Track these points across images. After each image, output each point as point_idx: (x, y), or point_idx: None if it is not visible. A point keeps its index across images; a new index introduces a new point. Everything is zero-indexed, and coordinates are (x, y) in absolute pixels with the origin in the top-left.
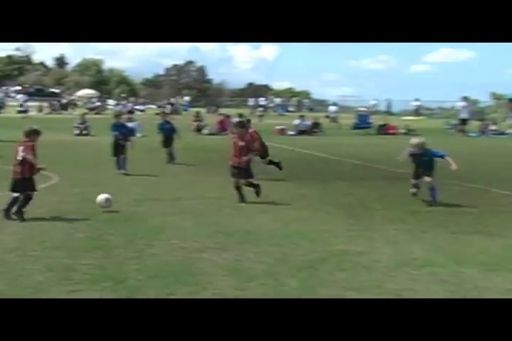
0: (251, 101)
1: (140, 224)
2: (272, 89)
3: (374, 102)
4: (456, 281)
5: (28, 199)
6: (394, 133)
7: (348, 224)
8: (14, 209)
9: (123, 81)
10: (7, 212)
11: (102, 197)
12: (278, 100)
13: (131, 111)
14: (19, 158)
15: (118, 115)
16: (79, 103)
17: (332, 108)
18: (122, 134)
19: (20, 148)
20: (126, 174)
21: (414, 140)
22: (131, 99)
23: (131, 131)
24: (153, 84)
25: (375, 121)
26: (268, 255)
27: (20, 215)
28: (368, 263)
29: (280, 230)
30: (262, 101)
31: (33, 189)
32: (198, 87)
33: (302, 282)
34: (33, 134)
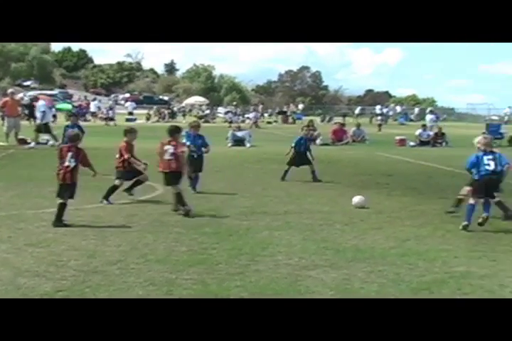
0: (367, 110)
1: (245, 239)
2: (393, 96)
3: (507, 110)
4: None
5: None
6: None
7: (471, 244)
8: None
9: (234, 88)
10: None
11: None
12: (399, 108)
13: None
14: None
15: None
16: (190, 111)
17: (430, 116)
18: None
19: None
20: (197, 192)
21: None
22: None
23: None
24: (266, 91)
25: (509, 131)
26: (380, 275)
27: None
28: (492, 287)
29: (395, 248)
30: (379, 109)
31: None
32: (312, 94)
33: None
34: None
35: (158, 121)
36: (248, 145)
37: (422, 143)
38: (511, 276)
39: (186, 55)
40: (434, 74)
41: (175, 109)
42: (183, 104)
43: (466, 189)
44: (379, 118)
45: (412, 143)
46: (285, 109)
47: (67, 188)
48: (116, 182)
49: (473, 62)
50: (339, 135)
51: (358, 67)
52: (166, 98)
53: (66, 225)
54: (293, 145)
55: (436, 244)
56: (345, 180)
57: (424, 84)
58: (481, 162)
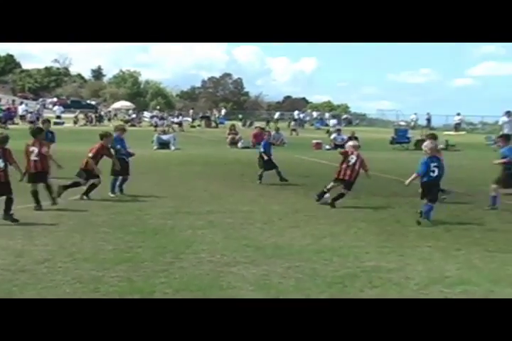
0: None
1: (170, 237)
2: (309, 102)
3: (413, 116)
4: None
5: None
6: None
7: (381, 240)
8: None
9: (159, 93)
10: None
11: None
12: (315, 113)
13: (179, 124)
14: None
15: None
16: (115, 115)
17: (333, 121)
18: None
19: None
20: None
21: None
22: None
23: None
24: (190, 96)
25: (415, 135)
26: (298, 270)
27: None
28: (399, 280)
29: (311, 245)
30: (297, 114)
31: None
32: (234, 99)
33: (332, 298)
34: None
35: (85, 124)
36: (173, 148)
37: (337, 147)
38: (417, 270)
39: (113, 61)
40: (347, 82)
41: (102, 113)
42: (110, 109)
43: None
44: (292, 123)
45: (327, 147)
46: (208, 114)
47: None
48: (96, 181)
49: (382, 72)
50: (259, 138)
51: (277, 75)
52: (93, 102)
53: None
54: (262, 150)
55: (349, 241)
56: (265, 181)
57: (339, 91)
58: (428, 169)
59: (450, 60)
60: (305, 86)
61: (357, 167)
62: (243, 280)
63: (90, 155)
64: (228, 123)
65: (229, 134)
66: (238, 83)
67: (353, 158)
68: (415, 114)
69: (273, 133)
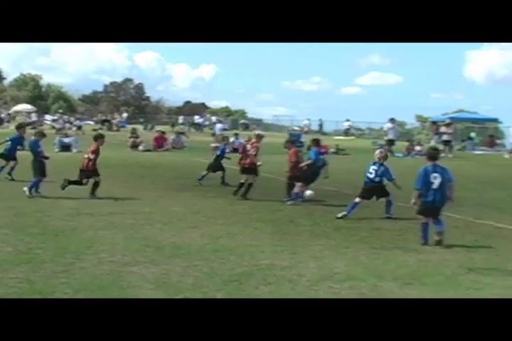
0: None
1: (70, 238)
2: (208, 108)
3: (306, 122)
4: (375, 294)
5: None
6: (325, 152)
7: (275, 239)
8: None
9: (61, 96)
10: None
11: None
12: (214, 118)
13: (79, 127)
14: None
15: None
16: (14, 118)
17: (218, 125)
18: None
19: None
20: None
21: None
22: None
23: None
24: (92, 100)
25: (308, 140)
26: (196, 269)
27: None
28: (292, 277)
29: (209, 245)
30: (196, 119)
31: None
32: (136, 104)
33: (228, 295)
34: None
35: None
36: (75, 150)
37: (235, 150)
38: (308, 267)
39: (13, 65)
40: (244, 88)
41: (2, 115)
42: (11, 111)
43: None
44: (181, 127)
45: (226, 150)
46: (109, 118)
47: None
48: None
49: (278, 79)
50: (160, 142)
51: (177, 81)
52: None
53: None
54: (218, 153)
55: (245, 240)
56: (165, 183)
57: (236, 97)
58: (368, 170)
59: (340, 69)
60: (204, 92)
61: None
62: (143, 280)
63: (92, 156)
64: (130, 126)
65: (130, 138)
66: (139, 88)
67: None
68: (308, 119)
69: (173, 136)
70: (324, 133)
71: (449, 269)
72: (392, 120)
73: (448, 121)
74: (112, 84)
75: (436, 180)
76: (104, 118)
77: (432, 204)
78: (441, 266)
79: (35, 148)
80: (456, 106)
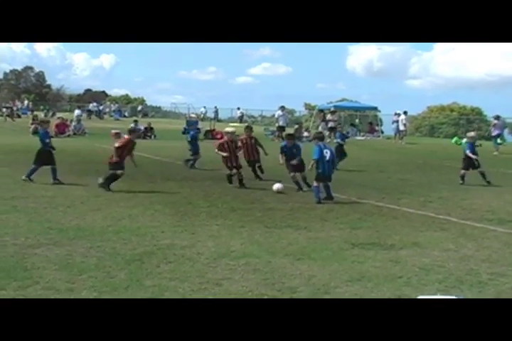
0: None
1: None
2: (109, 96)
3: (203, 109)
4: (268, 270)
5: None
6: (221, 138)
7: (175, 220)
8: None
9: None
10: None
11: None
12: (114, 106)
13: None
14: None
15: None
16: None
17: (77, 111)
18: None
19: None
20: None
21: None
22: None
23: None
24: None
25: (204, 126)
26: (99, 250)
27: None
28: (191, 255)
29: (111, 226)
30: (95, 106)
31: None
32: (37, 91)
33: (130, 274)
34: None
35: None
36: None
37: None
38: (206, 246)
39: None
40: (143, 77)
41: None
42: None
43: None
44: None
45: (125, 136)
46: (9, 105)
47: None
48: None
49: (175, 69)
50: (62, 128)
51: (78, 69)
52: None
53: None
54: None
55: (146, 222)
56: (68, 168)
57: (136, 86)
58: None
59: (233, 59)
60: (104, 80)
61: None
62: (47, 261)
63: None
64: (30, 113)
65: (32, 124)
66: (40, 76)
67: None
68: (204, 107)
69: (74, 123)
70: (219, 120)
71: (335, 245)
72: (282, 108)
73: (333, 109)
74: (12, 72)
75: (327, 155)
76: (5, 105)
77: (323, 173)
78: (328, 242)
79: (43, 138)
80: (339, 96)
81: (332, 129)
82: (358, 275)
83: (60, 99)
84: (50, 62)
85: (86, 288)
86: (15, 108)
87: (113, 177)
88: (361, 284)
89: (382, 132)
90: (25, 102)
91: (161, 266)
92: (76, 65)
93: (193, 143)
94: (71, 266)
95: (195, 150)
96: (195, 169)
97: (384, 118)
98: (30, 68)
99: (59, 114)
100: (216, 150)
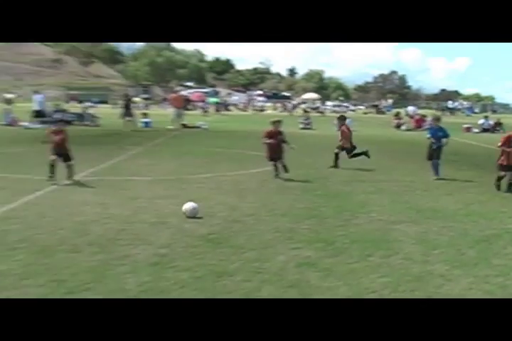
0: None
1: (347, 200)
2: (461, 95)
3: None
4: None
5: None
6: None
7: None
8: None
9: (339, 87)
10: None
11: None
12: (466, 103)
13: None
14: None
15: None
16: (300, 104)
17: (410, 108)
18: (436, 138)
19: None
20: (439, 179)
21: None
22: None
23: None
24: (363, 89)
25: None
26: (451, 229)
27: None
28: None
29: (462, 210)
30: (450, 104)
31: None
32: (399, 92)
33: (479, 253)
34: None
35: (283, 111)
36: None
37: (485, 130)
38: None
39: (303, 62)
40: (491, 76)
41: (294, 102)
42: (300, 99)
43: None
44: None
45: (475, 130)
46: (377, 103)
47: None
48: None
49: None
50: (419, 123)
51: (434, 72)
52: (288, 94)
53: None
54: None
55: (495, 207)
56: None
57: (485, 85)
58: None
59: None
60: (458, 81)
61: None
62: (406, 236)
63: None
64: (394, 110)
65: (394, 119)
66: (402, 79)
67: None
68: None
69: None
70: None
71: None
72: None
73: None
74: (380, 76)
75: None
76: (372, 104)
77: None
78: None
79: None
80: None
81: None
82: None
83: (418, 99)
84: (411, 67)
85: (439, 261)
86: (380, 106)
87: None
88: None
89: None
90: (389, 101)
91: (508, 248)
92: (433, 68)
93: None
94: (426, 242)
95: None
96: None
97: None
98: (395, 72)
99: (417, 111)
100: None
